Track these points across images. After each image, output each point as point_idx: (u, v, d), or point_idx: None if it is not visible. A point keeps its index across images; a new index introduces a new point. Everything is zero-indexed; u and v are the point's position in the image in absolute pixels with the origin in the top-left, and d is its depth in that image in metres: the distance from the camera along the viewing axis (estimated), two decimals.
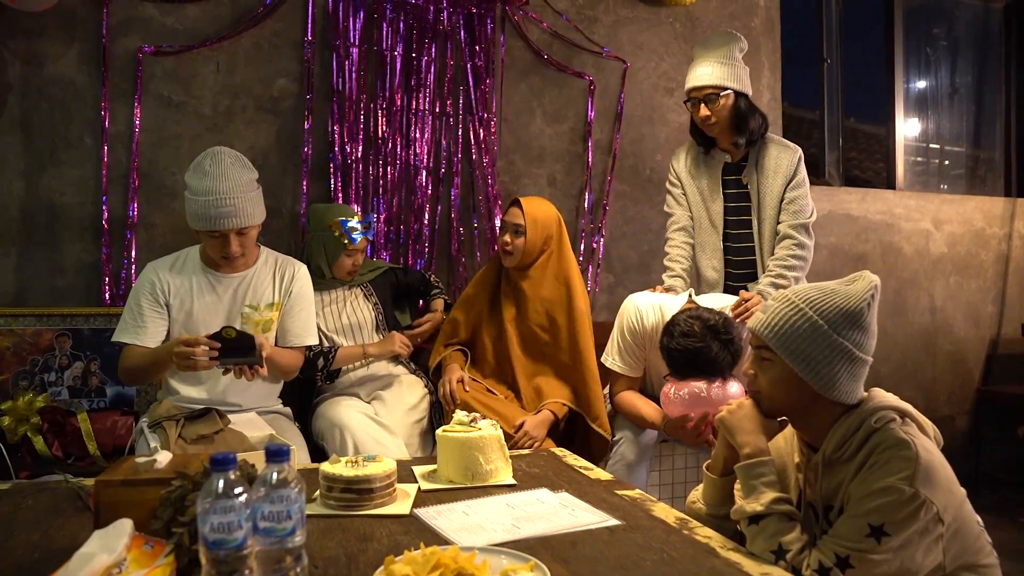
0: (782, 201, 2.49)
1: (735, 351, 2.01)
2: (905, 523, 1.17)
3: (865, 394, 1.34)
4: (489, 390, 2.37)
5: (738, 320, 2.19)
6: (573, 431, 2.38)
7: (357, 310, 2.51)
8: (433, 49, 2.91)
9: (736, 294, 2.32)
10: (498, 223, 2.96)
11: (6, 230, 2.48)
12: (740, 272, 2.55)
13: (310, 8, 2.76)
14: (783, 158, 2.50)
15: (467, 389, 2.29)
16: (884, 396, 1.33)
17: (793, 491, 1.41)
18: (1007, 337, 4.05)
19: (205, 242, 2.10)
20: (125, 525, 1.04)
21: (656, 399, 2.36)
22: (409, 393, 2.44)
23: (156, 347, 2.04)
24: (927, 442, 1.26)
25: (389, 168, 2.86)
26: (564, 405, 2.30)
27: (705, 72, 2.44)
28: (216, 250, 2.08)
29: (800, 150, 2.52)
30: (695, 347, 1.97)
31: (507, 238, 2.38)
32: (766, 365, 1.35)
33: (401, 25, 2.86)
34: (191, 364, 1.82)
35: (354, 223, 2.44)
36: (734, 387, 2.01)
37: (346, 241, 2.42)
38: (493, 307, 2.47)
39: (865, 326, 1.30)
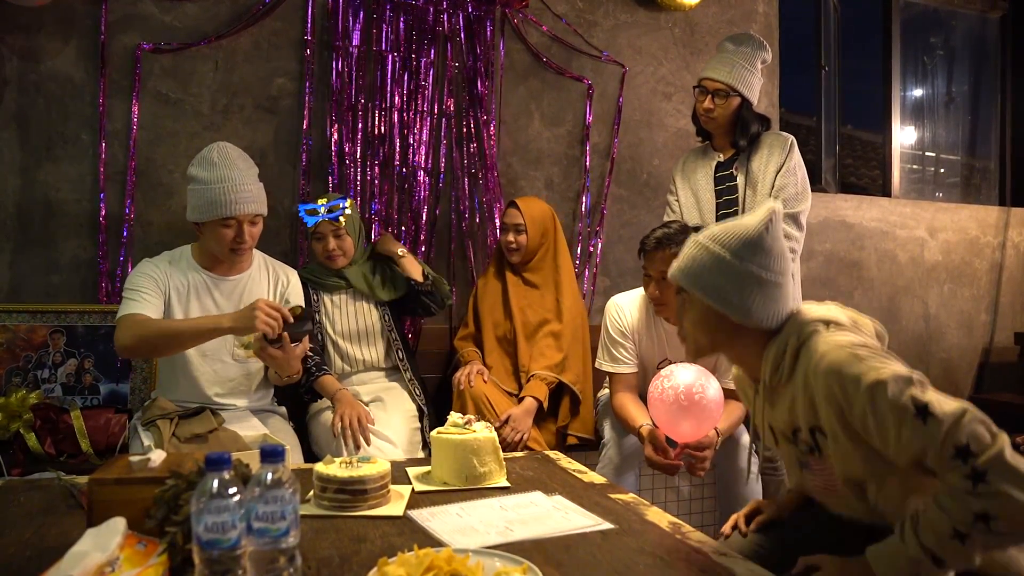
0: (772, 189, 2.49)
1: None
2: (910, 392, 1.16)
3: (792, 311, 1.36)
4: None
5: None
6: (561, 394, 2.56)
7: (365, 315, 2.50)
8: (432, 50, 2.92)
9: None
10: (497, 225, 2.97)
11: (1, 226, 2.48)
12: None
13: (310, 7, 2.76)
14: (776, 145, 2.52)
15: (486, 381, 2.44)
16: (808, 310, 1.35)
17: (759, 417, 1.44)
18: (1000, 346, 4.07)
19: (213, 235, 2.04)
20: (118, 524, 1.04)
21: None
22: (408, 399, 2.44)
23: (210, 316, 1.96)
24: (851, 336, 1.27)
25: (387, 169, 2.86)
26: (545, 383, 2.45)
27: (724, 68, 2.49)
28: (225, 241, 2.03)
29: (792, 137, 2.54)
30: (676, 228, 2.19)
31: (510, 237, 2.59)
32: (687, 307, 1.40)
33: (401, 26, 2.86)
34: (266, 325, 1.79)
35: (313, 205, 2.42)
36: (713, 388, 2.01)
37: (308, 227, 2.42)
38: (504, 300, 2.63)
39: (767, 248, 1.33)
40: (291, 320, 1.83)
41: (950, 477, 1.12)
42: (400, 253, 2.49)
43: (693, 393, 1.94)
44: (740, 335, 1.36)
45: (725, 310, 1.32)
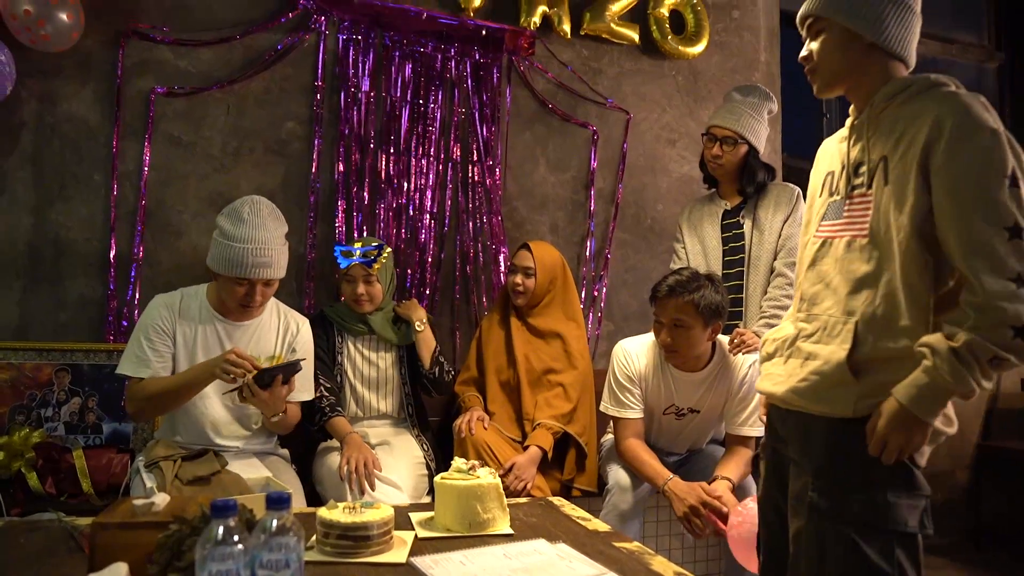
0: (779, 238, 2.53)
1: (723, 299, 2.20)
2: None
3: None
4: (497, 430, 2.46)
5: (736, 354, 2.26)
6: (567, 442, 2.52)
7: (384, 364, 2.51)
8: (440, 96, 2.97)
9: (727, 332, 2.36)
10: (502, 268, 2.99)
11: (11, 264, 2.50)
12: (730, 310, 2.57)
13: (320, 54, 2.82)
14: (783, 196, 2.58)
15: (485, 427, 2.40)
16: None
17: (841, 173, 1.47)
18: (1007, 392, 4.04)
19: (225, 288, 2.06)
20: (120, 569, 1.04)
21: (655, 447, 2.38)
22: (416, 444, 2.43)
23: (190, 368, 2.02)
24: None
25: (394, 211, 2.89)
26: (550, 432, 2.42)
27: (732, 116, 2.55)
28: (236, 298, 2.06)
29: (798, 188, 2.59)
30: (688, 275, 2.21)
31: (518, 279, 2.58)
32: (822, 39, 1.45)
33: (408, 72, 2.92)
34: (225, 373, 1.89)
35: (348, 247, 2.45)
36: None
37: (340, 268, 2.45)
38: (507, 345, 2.61)
39: None
40: (260, 368, 1.92)
41: (986, 279, 1.21)
42: (419, 327, 2.50)
43: None
44: (871, 59, 1.41)
45: (859, 26, 1.38)
